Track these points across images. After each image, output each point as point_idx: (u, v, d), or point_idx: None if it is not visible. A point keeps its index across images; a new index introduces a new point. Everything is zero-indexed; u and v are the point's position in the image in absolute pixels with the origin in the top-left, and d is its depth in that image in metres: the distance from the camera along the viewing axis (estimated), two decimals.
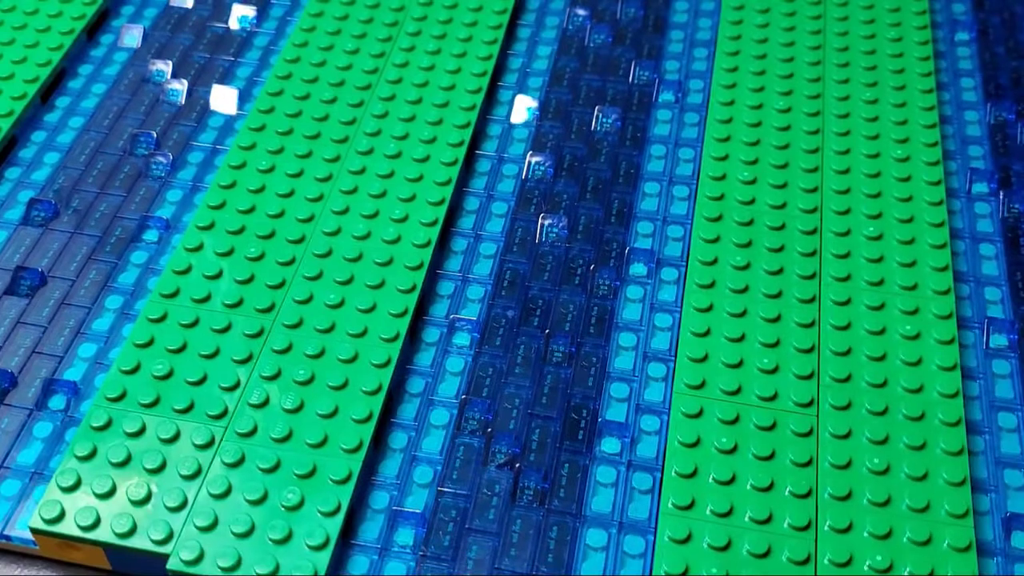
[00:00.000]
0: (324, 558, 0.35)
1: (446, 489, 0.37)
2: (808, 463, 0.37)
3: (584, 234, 0.46)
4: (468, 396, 0.40)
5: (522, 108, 0.51)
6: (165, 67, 0.52)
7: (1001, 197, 0.47)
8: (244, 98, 0.51)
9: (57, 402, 0.40)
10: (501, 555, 0.36)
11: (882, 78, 0.51)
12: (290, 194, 0.46)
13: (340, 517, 0.35)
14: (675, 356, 0.41)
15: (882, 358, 0.40)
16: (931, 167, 0.47)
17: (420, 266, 0.43)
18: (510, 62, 0.54)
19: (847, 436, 0.38)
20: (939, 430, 0.38)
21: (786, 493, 0.36)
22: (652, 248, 0.45)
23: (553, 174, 0.48)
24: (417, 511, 0.37)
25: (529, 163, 0.48)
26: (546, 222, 0.46)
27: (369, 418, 0.38)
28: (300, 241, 0.44)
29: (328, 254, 0.43)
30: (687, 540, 0.35)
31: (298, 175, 0.47)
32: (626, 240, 0.46)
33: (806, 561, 0.35)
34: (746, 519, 0.36)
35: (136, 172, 0.48)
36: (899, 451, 0.37)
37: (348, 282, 0.42)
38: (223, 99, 0.51)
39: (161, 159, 0.48)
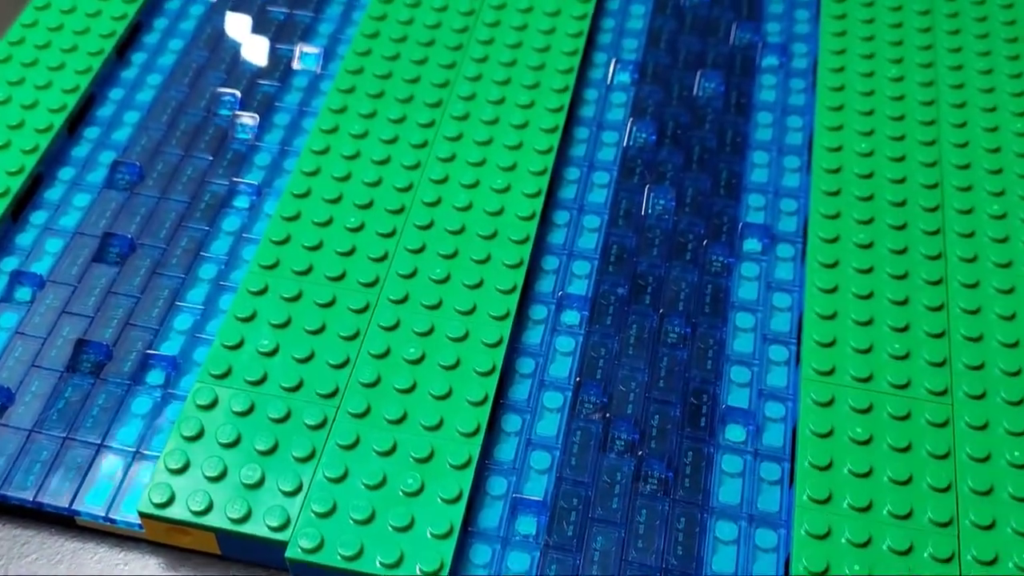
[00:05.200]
0: (449, 548, 0.33)
1: (566, 476, 0.36)
2: (947, 455, 0.36)
3: (692, 207, 0.44)
4: (582, 378, 0.38)
5: (617, 71, 0.49)
6: (243, 23, 0.50)
7: None
8: (328, 57, 0.49)
9: (155, 377, 0.38)
10: (628, 546, 0.34)
11: (995, 47, 0.49)
12: (386, 161, 0.44)
13: (462, 505, 0.34)
14: (797, 339, 0.39)
15: (1015, 345, 0.38)
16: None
17: (526, 240, 0.41)
18: (603, 22, 0.52)
19: (984, 427, 0.36)
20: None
21: (925, 487, 0.35)
22: (765, 223, 0.43)
23: (655, 142, 0.46)
24: (538, 498, 0.35)
25: (630, 130, 0.46)
26: (652, 194, 0.44)
27: (484, 401, 0.36)
28: (400, 212, 0.42)
29: (430, 225, 0.41)
30: (826, 536, 0.34)
31: (392, 141, 0.44)
32: (737, 214, 0.44)
33: (950, 559, 0.33)
34: (885, 514, 0.34)
35: (221, 134, 0.46)
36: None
37: (453, 256, 0.41)
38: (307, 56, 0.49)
39: (248, 120, 0.46)
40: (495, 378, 0.37)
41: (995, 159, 0.44)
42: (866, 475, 0.35)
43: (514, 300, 0.39)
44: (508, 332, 0.39)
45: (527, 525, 0.35)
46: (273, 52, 0.49)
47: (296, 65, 0.48)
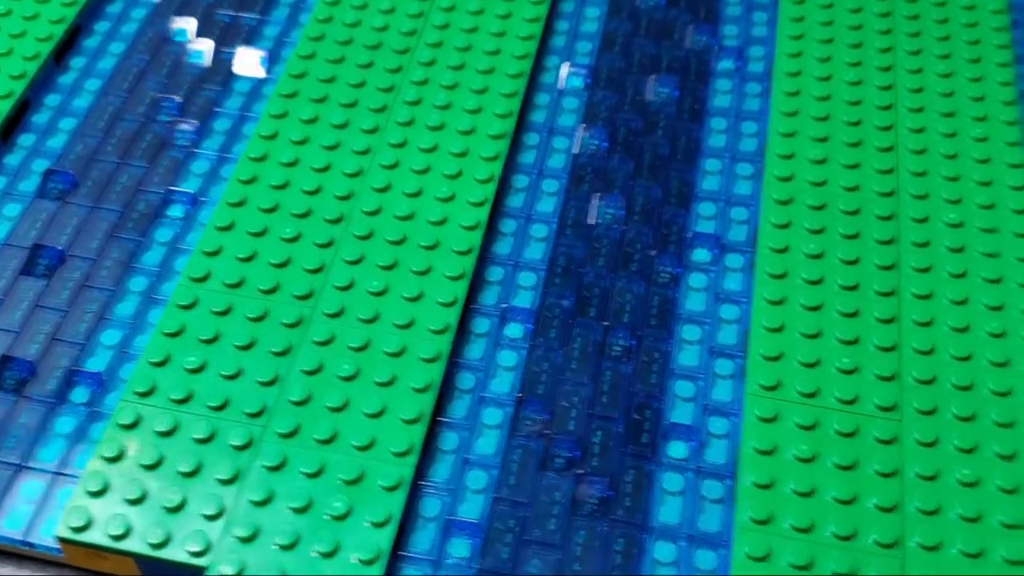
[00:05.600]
0: (377, 573, 0.32)
1: (503, 496, 0.35)
2: (893, 473, 0.35)
3: (641, 215, 0.43)
4: (524, 394, 0.37)
5: (570, 75, 0.48)
6: (187, 25, 0.49)
7: None
8: (273, 60, 0.48)
9: (80, 395, 0.37)
10: (564, 568, 0.33)
11: (956, 49, 0.48)
12: (326, 168, 0.42)
13: (391, 528, 0.33)
14: (744, 352, 0.38)
15: (967, 358, 0.37)
16: (1011, 148, 0.44)
17: (469, 251, 0.40)
18: (557, 24, 0.51)
19: (933, 444, 0.35)
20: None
21: (871, 506, 0.34)
22: (716, 232, 0.42)
23: (607, 149, 0.45)
24: (473, 520, 0.34)
25: (581, 137, 0.45)
26: (600, 202, 0.43)
27: (419, 419, 0.35)
28: (339, 221, 0.41)
29: (369, 236, 0.40)
30: (766, 558, 0.33)
31: (334, 147, 0.43)
32: (687, 223, 0.43)
33: None
34: (828, 535, 0.33)
35: (159, 141, 0.44)
36: (989, 461, 0.35)
37: (392, 267, 0.39)
38: (248, 62, 0.47)
39: (186, 127, 0.44)
40: (432, 395, 0.36)
41: (953, 165, 0.43)
42: (809, 494, 0.34)
43: (455, 313, 0.38)
44: (448, 347, 0.37)
45: (460, 548, 0.34)
46: (217, 56, 0.48)
47: (236, 68, 0.47)
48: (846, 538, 0.33)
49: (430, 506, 0.35)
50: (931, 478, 0.34)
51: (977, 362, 0.37)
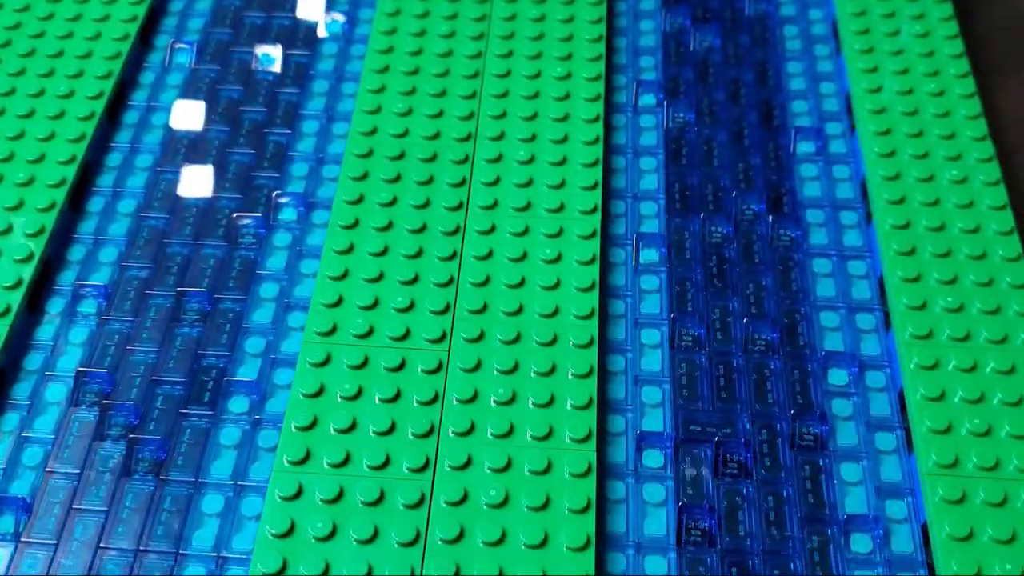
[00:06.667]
0: None
1: (55, 469, 0.35)
2: (433, 400, 0.36)
3: (233, 182, 0.44)
4: (86, 367, 0.38)
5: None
6: None
7: (666, 107, 0.46)
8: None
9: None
10: (108, 533, 0.34)
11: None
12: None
13: None
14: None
15: (520, 284, 0.39)
16: (591, 83, 0.46)
17: (41, 232, 0.40)
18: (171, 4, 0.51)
19: (476, 368, 0.37)
20: (570, 353, 0.37)
21: (408, 435, 0.35)
22: (304, 191, 0.43)
23: (204, 121, 0.45)
24: (21, 495, 0.35)
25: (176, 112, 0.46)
26: (189, 171, 0.43)
27: None
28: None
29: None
30: (297, 496, 0.34)
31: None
32: (279, 185, 0.44)
33: (419, 504, 0.34)
34: (364, 467, 0.35)
35: None
36: (527, 379, 0.37)
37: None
38: None
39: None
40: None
41: (530, 105, 0.45)
42: (348, 430, 0.35)
43: (18, 296, 0.38)
44: (6, 331, 0.37)
45: (6, 524, 0.34)
46: None
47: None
48: (379, 467, 0.34)
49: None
50: (468, 400, 0.36)
51: (529, 288, 0.39)
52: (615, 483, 0.36)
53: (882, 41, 0.48)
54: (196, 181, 0.43)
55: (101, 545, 0.33)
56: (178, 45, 0.48)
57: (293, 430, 0.35)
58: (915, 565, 0.34)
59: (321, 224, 0.42)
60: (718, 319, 0.39)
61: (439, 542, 0.33)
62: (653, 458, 0.36)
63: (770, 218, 0.42)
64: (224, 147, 0.45)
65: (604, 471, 0.36)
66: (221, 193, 0.43)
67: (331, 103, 0.46)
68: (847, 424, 0.37)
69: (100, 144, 0.44)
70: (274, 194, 0.43)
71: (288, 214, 0.43)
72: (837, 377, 0.38)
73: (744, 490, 0.35)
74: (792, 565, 0.34)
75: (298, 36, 0.49)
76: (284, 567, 0.32)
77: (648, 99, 0.47)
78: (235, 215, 0.42)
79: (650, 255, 0.42)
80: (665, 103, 0.46)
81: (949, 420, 0.36)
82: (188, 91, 0.46)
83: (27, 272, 0.39)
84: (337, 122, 0.46)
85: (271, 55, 0.47)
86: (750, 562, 0.34)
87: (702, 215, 0.42)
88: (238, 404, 0.37)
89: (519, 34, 0.48)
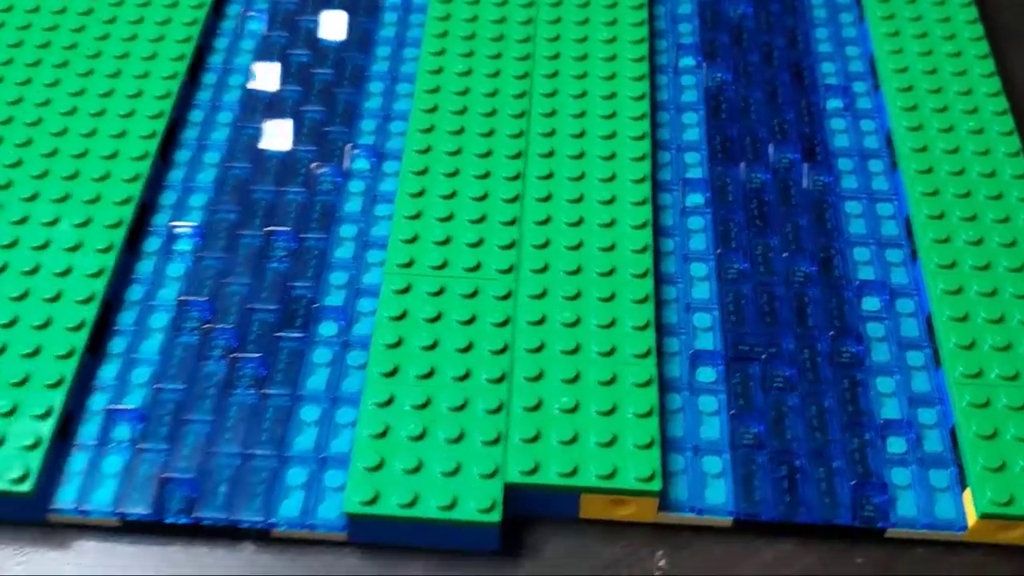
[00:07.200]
0: (37, 457, 0.35)
1: (163, 386, 0.39)
2: (505, 323, 0.40)
3: (308, 136, 0.47)
4: (186, 297, 0.41)
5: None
6: None
7: (705, 68, 0.50)
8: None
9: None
10: (216, 439, 0.37)
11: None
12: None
13: (52, 419, 0.36)
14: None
15: (579, 223, 0.43)
16: (635, 45, 0.49)
17: (136, 178, 0.44)
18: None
19: (542, 295, 0.41)
20: (628, 283, 0.41)
21: (485, 352, 0.39)
22: (374, 144, 0.47)
23: (281, 81, 0.49)
24: (133, 407, 0.38)
25: (253, 71, 0.49)
26: (271, 125, 0.47)
27: (81, 326, 0.39)
28: (17, 165, 0.44)
29: (44, 175, 0.44)
30: (389, 403, 0.37)
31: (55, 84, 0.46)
32: (351, 138, 0.47)
33: (499, 409, 0.37)
34: (448, 378, 0.38)
35: None
36: (590, 304, 0.40)
37: (64, 200, 0.43)
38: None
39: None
40: (94, 306, 0.39)
41: (579, 65, 0.49)
42: (431, 348, 0.39)
43: (120, 234, 0.42)
44: (112, 263, 0.41)
45: (122, 432, 0.37)
46: None
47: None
48: (460, 378, 0.38)
49: (98, 401, 0.38)
50: (537, 323, 0.40)
51: (587, 226, 0.42)
52: (672, 395, 0.39)
53: (902, 8, 0.52)
54: (277, 134, 0.46)
55: (210, 450, 0.37)
56: (249, 13, 0.52)
57: (382, 347, 0.39)
58: (945, 462, 0.38)
59: (392, 173, 0.46)
60: (760, 254, 0.43)
61: (519, 441, 0.36)
62: (706, 374, 0.40)
63: (805, 166, 0.46)
64: (298, 105, 0.48)
65: (662, 386, 0.39)
66: (298, 146, 0.47)
67: (394, 66, 0.50)
68: (880, 344, 0.41)
69: (183, 102, 0.48)
70: (347, 146, 0.46)
71: (361, 164, 0.46)
72: (870, 304, 0.42)
73: (790, 401, 0.39)
74: (835, 464, 0.37)
75: (360, 4, 0.53)
76: (381, 464, 0.36)
77: (688, 61, 0.51)
78: (313, 164, 0.45)
79: (695, 199, 0.45)
80: (704, 64, 0.50)
81: (973, 337, 0.40)
82: (261, 56, 0.50)
83: (127, 213, 0.43)
84: (400, 83, 0.49)
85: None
86: (797, 462, 0.37)
87: (742, 164, 0.46)
88: (327, 328, 0.41)
89: (567, 2, 0.51)
